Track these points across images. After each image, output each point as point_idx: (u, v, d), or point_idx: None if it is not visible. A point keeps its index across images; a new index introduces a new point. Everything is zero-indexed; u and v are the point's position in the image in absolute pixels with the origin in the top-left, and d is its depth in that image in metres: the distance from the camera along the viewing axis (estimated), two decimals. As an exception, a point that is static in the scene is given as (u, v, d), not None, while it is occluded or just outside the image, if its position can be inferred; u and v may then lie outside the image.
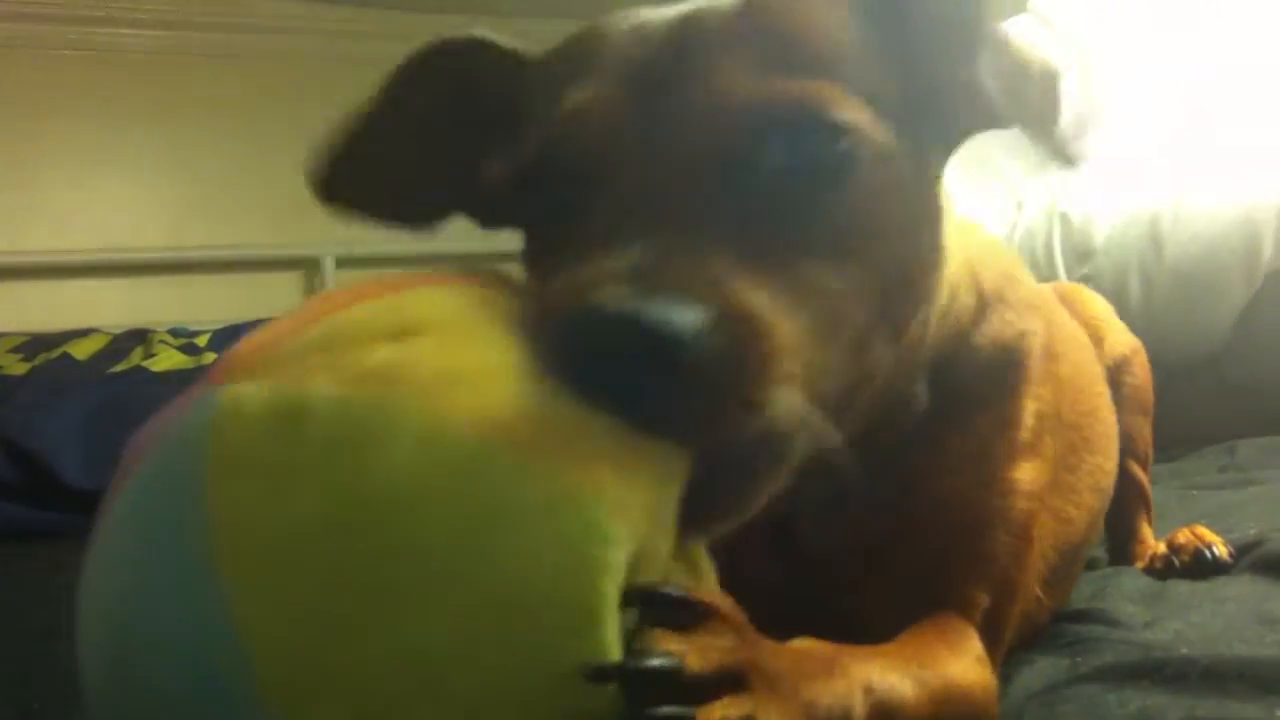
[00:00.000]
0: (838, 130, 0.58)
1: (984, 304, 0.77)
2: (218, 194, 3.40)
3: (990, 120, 0.65)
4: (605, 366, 0.47)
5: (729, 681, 0.46)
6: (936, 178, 0.68)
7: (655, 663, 0.44)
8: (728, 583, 0.56)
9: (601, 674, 0.43)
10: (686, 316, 0.48)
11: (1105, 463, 1.02)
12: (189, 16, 3.39)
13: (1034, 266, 2.12)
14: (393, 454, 0.43)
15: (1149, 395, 1.25)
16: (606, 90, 0.59)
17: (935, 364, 0.73)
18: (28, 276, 3.22)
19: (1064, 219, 2.18)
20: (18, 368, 2.33)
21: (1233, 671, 0.74)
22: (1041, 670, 0.83)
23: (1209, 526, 1.18)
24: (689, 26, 0.60)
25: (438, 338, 0.49)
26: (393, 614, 0.42)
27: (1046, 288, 1.29)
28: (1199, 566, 1.09)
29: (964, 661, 0.66)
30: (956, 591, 0.72)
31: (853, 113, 0.58)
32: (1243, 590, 1.01)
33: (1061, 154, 0.68)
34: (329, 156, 0.70)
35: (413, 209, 0.74)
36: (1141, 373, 1.25)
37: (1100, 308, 1.27)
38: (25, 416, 1.94)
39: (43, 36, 3.31)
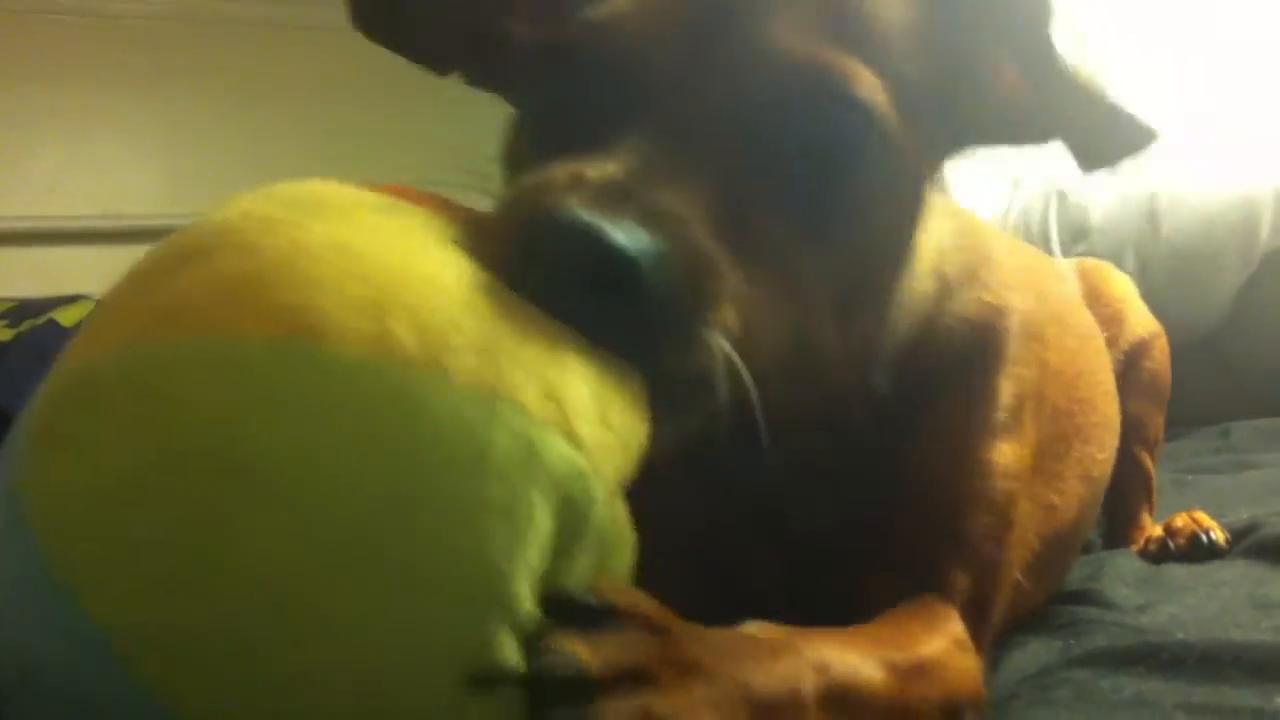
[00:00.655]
0: (857, 110, 0.57)
1: (947, 286, 0.75)
2: (208, 161, 3.37)
3: (1027, 133, 0.66)
4: (556, 275, 0.46)
5: (633, 678, 0.44)
6: (931, 177, 0.67)
7: (553, 667, 0.42)
8: (724, 574, 0.56)
9: (496, 678, 0.41)
10: (645, 243, 0.47)
11: (1098, 453, 0.99)
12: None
13: (1030, 243, 2.10)
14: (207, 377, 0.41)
15: (1166, 382, 1.23)
16: (665, 3, 0.58)
17: (901, 347, 0.71)
18: (14, 242, 3.19)
19: (1060, 197, 2.17)
20: (3, 334, 2.31)
21: (1228, 657, 0.73)
22: (1034, 652, 0.82)
23: (1204, 510, 1.17)
24: None
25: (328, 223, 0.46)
26: (237, 544, 0.39)
27: (1069, 263, 1.27)
28: (1195, 551, 1.09)
29: (940, 643, 0.64)
30: (936, 574, 0.71)
31: (875, 95, 0.58)
32: (1237, 574, 1.00)
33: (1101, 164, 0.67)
34: None
35: (439, 49, 0.73)
36: (1161, 358, 1.23)
37: (1124, 288, 1.24)
38: (10, 382, 1.93)
39: (42, 4, 3.28)
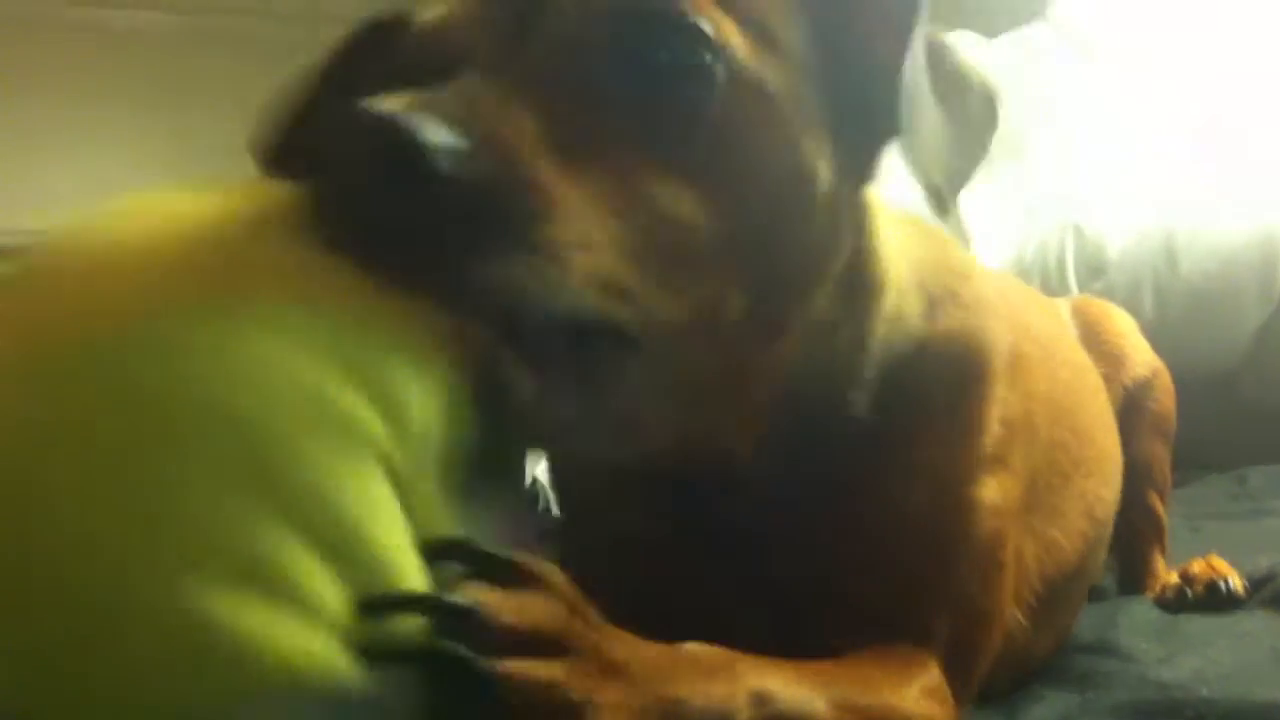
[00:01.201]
0: (699, 40, 0.54)
1: (932, 304, 0.71)
2: (214, 178, 3.38)
3: (910, 123, 0.60)
4: (361, 179, 0.44)
5: (547, 646, 0.42)
6: (856, 173, 0.64)
7: (459, 600, 0.40)
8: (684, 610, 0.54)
9: (394, 604, 0.39)
10: (444, 133, 0.45)
11: (1101, 489, 0.95)
12: (197, 1, 3.37)
13: (1046, 280, 2.08)
14: None
15: (1171, 421, 1.20)
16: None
17: (882, 370, 0.68)
18: (18, 256, 3.19)
19: (1077, 232, 2.14)
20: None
21: (1254, 717, 0.70)
22: (1051, 706, 0.79)
23: (1221, 557, 1.14)
24: None
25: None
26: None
27: (1063, 302, 1.25)
28: (1213, 599, 1.05)
29: (907, 691, 0.61)
30: (913, 620, 0.66)
31: (725, 31, 0.54)
32: (1259, 626, 0.97)
33: (940, 192, 0.61)
34: (275, 128, 0.67)
35: None
36: (1164, 397, 1.19)
37: (1124, 324, 1.21)
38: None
39: (44, 16, 3.29)
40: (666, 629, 0.50)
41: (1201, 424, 1.25)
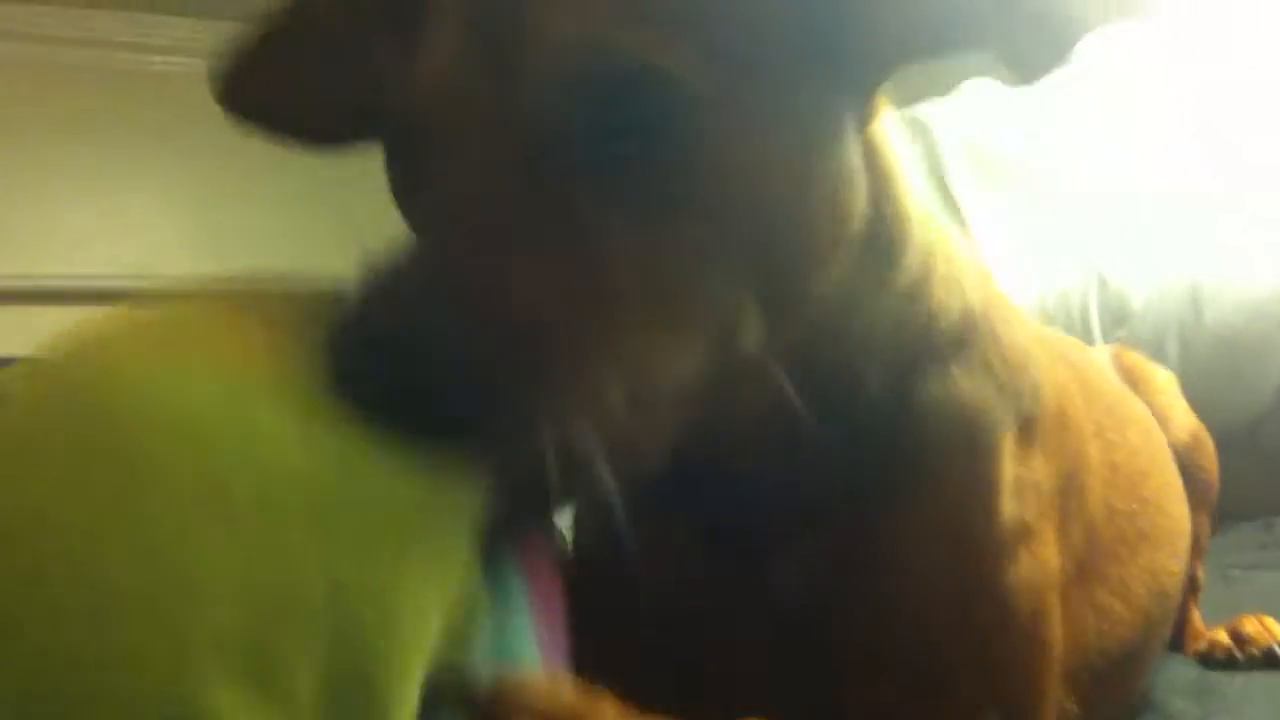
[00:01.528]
0: (658, 84, 0.50)
1: (970, 322, 0.65)
2: (240, 220, 3.39)
3: (938, 42, 0.56)
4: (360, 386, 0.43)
5: None
6: (844, 130, 0.58)
7: None
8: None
9: None
10: (427, 336, 0.44)
11: (1169, 562, 0.90)
12: (217, 44, 3.39)
13: (1069, 328, 2.07)
14: None
15: (1215, 490, 1.16)
16: (449, 46, 0.53)
17: (896, 366, 0.62)
18: (45, 301, 3.20)
19: (1101, 283, 2.14)
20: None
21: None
22: (1090, 767, 0.78)
23: (1253, 610, 1.12)
24: None
25: None
26: None
27: (1106, 351, 1.22)
28: (1269, 663, 1.03)
29: None
30: (960, 709, 0.61)
31: (681, 64, 0.50)
32: (1294, 684, 0.96)
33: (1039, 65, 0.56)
34: (236, 66, 0.66)
35: (321, 125, 0.69)
36: (1210, 463, 1.15)
37: (1166, 382, 1.16)
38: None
39: (72, 60, 3.31)
40: (671, 678, 0.49)
41: (1228, 473, 1.23)
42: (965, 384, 0.64)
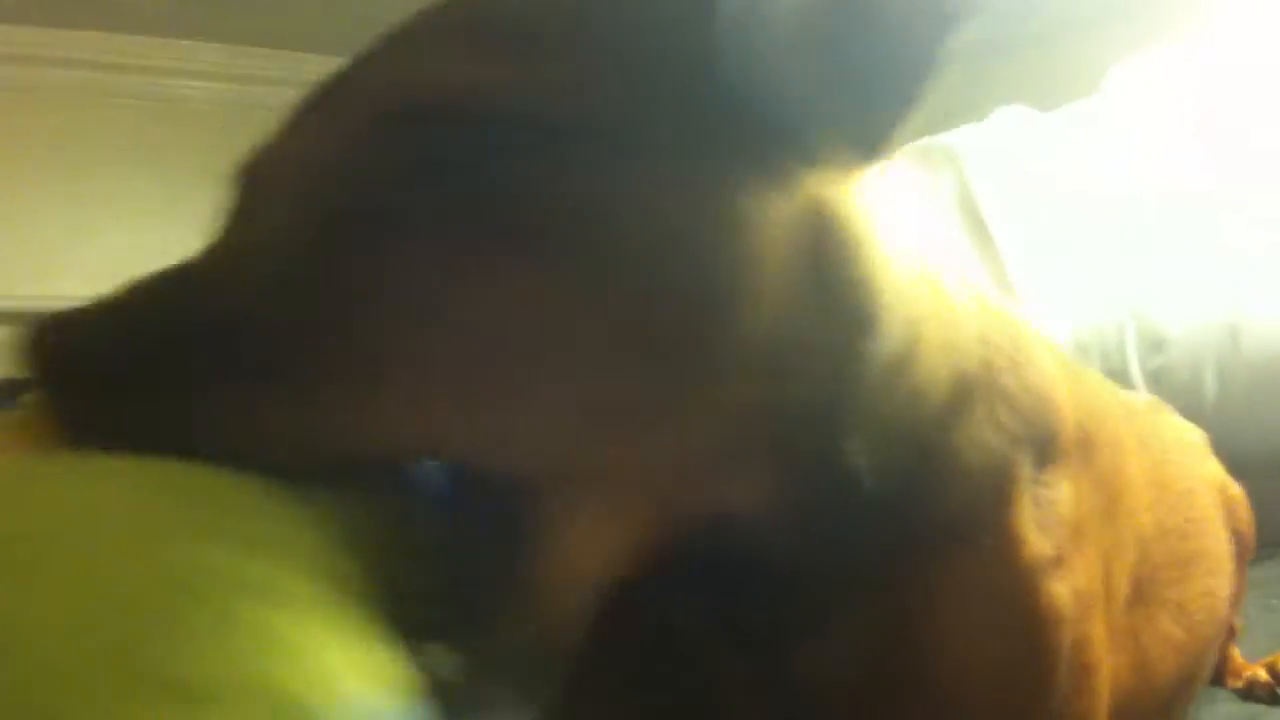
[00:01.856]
0: (483, 117, 0.45)
1: (965, 387, 0.58)
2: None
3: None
4: None
5: None
6: (757, 198, 0.48)
7: None
8: None
9: None
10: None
11: (1219, 586, 0.89)
12: (250, 70, 3.42)
13: (1105, 358, 2.06)
14: None
15: (1250, 546, 1.13)
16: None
17: (887, 442, 0.54)
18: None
19: (1136, 308, 2.12)
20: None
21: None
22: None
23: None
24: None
25: None
26: None
27: (1132, 395, 1.20)
28: None
29: None
30: None
31: (503, 95, 0.45)
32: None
33: None
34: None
35: None
36: (1246, 518, 1.11)
37: (1198, 442, 1.12)
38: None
39: (101, 84, 3.34)
40: None
41: (1266, 502, 1.22)
42: (970, 454, 0.58)
